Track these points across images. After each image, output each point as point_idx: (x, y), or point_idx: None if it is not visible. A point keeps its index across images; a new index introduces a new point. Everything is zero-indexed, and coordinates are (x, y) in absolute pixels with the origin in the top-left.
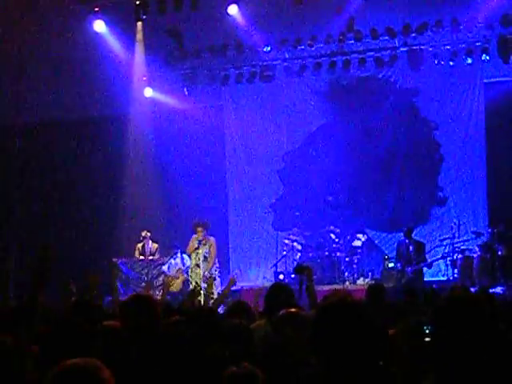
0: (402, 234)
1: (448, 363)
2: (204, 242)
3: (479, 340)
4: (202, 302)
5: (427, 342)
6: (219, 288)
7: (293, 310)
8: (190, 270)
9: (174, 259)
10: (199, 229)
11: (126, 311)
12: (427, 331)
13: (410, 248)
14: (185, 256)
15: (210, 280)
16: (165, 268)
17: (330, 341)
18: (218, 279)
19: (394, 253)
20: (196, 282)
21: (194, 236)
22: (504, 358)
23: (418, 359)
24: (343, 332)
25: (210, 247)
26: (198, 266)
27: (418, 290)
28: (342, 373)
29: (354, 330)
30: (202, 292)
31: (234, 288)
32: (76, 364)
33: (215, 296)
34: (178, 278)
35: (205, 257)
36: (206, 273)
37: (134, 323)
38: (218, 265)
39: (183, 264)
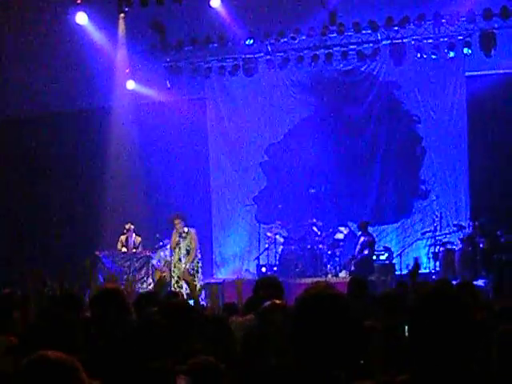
0: (384, 226)
1: (424, 360)
2: (184, 234)
3: (456, 335)
4: (186, 297)
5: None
6: (201, 282)
7: (278, 301)
8: (173, 265)
9: (164, 251)
10: (176, 221)
11: (95, 304)
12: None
13: (361, 240)
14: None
15: (190, 278)
16: (154, 261)
17: (309, 333)
18: (200, 270)
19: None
20: (178, 277)
21: (175, 231)
22: (482, 353)
23: (395, 355)
24: (322, 324)
25: (190, 240)
26: (180, 260)
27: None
28: (319, 365)
29: (333, 322)
30: (184, 286)
31: (216, 280)
32: (54, 358)
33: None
34: (165, 271)
35: (187, 250)
36: (188, 266)
37: (103, 316)
38: (199, 256)
39: (171, 255)
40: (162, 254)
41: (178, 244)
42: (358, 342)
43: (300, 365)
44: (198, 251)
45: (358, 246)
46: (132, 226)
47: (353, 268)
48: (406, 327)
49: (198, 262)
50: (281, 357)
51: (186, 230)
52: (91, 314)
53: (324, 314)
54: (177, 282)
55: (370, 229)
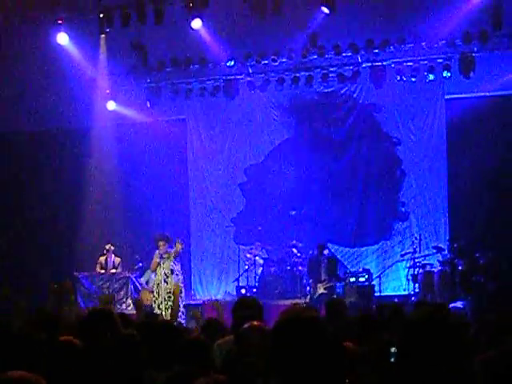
0: (364, 248)
1: (414, 381)
2: (166, 255)
3: (446, 358)
4: (169, 316)
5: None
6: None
7: (256, 323)
8: (155, 286)
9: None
10: (161, 243)
11: (87, 325)
12: (393, 351)
13: (322, 265)
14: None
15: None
16: (143, 280)
17: (286, 356)
18: (183, 290)
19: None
20: (164, 298)
21: (157, 251)
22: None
23: (383, 377)
24: (299, 347)
25: (174, 258)
26: (165, 281)
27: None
28: None
29: (310, 346)
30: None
31: (195, 302)
32: (18, 377)
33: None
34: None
35: (172, 270)
36: (170, 287)
37: (94, 337)
38: (182, 277)
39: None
40: (151, 274)
41: (158, 265)
42: (336, 365)
43: None
44: (181, 272)
45: (323, 269)
46: (112, 247)
47: (324, 291)
48: (393, 349)
49: (181, 283)
50: (260, 379)
51: (168, 250)
52: (81, 334)
53: (301, 338)
54: (161, 303)
55: (351, 250)
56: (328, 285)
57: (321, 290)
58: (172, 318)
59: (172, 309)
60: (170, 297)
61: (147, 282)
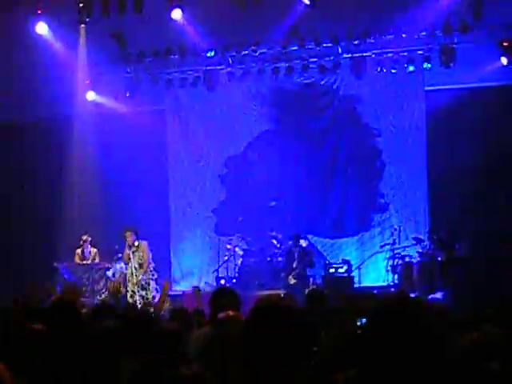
0: (344, 239)
1: (375, 361)
2: (134, 248)
3: (406, 343)
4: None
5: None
6: (154, 292)
7: (231, 312)
8: (128, 277)
9: (119, 264)
10: (128, 233)
11: (50, 315)
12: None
13: (296, 255)
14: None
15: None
16: (109, 273)
17: (259, 343)
18: (153, 282)
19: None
20: (132, 291)
21: (126, 243)
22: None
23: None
24: (272, 334)
25: (142, 252)
26: (132, 274)
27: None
28: (267, 372)
29: (281, 332)
30: (137, 299)
31: (175, 293)
32: None
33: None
34: (119, 282)
35: (139, 264)
36: (140, 278)
37: (57, 326)
38: (151, 269)
39: (126, 268)
40: (118, 266)
41: (129, 257)
42: (306, 352)
43: (252, 374)
44: (152, 264)
45: (297, 260)
46: (89, 238)
47: (295, 281)
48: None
49: (149, 274)
50: (236, 368)
51: (136, 243)
52: (46, 324)
53: (273, 325)
54: (131, 296)
55: (330, 241)
56: (294, 272)
57: (292, 281)
58: (156, 309)
59: (161, 302)
60: (143, 289)
61: (114, 274)
